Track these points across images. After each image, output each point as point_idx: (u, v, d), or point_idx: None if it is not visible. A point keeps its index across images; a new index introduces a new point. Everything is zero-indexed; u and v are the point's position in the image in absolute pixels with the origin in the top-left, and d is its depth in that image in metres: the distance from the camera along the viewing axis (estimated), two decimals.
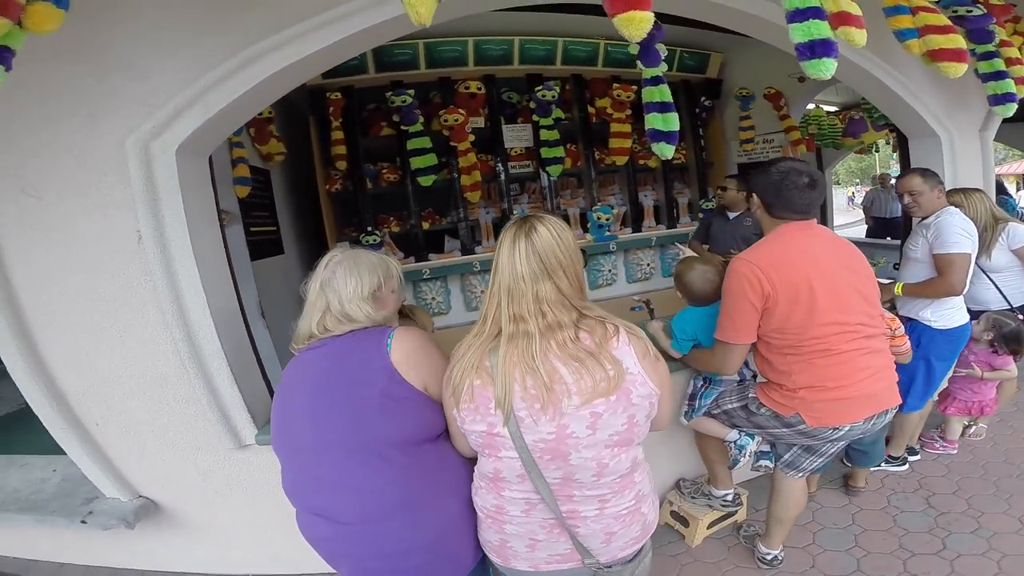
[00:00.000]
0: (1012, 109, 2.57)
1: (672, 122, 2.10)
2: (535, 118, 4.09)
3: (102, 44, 1.66)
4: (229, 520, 2.16)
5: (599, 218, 4.17)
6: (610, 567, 1.18)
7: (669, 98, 2.16)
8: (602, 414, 1.07)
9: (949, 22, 2.12)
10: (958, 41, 2.10)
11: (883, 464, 2.59)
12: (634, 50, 2.30)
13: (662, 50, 2.31)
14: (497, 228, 4.16)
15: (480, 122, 4.09)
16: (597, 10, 2.33)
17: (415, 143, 3.78)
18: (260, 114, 3.23)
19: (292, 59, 1.71)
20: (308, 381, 1.26)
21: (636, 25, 1.27)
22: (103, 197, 1.72)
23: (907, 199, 2.45)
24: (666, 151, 2.08)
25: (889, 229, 7.32)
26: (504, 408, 1.07)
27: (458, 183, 4.01)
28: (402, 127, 3.78)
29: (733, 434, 2.03)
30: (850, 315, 1.67)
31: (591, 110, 4.38)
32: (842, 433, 1.72)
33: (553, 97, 3.99)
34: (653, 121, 2.13)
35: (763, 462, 2.04)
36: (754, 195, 1.80)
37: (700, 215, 4.66)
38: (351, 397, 1.20)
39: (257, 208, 3.32)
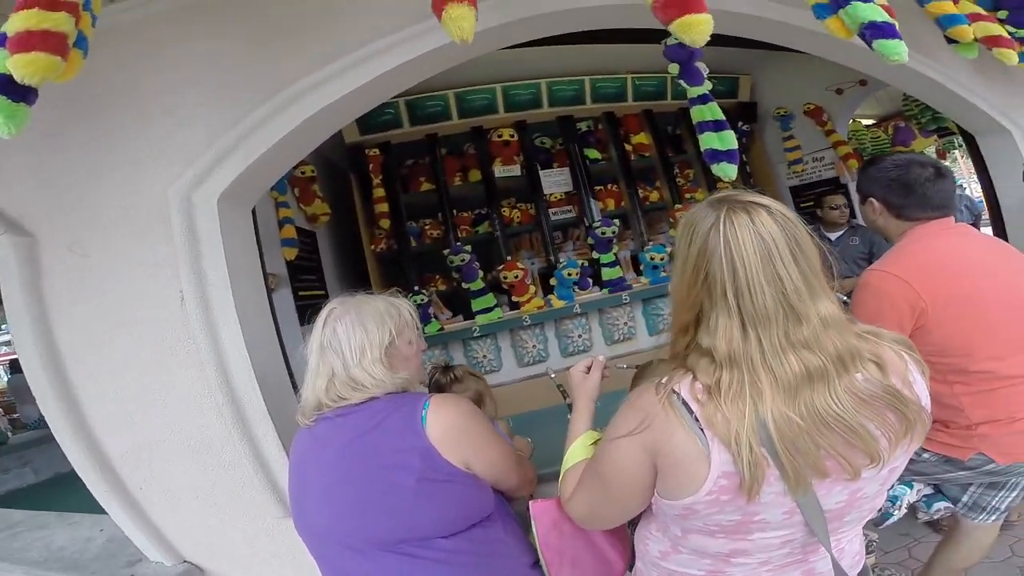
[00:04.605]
0: None
1: (729, 140, 1.98)
2: (594, 255, 3.94)
3: (143, 92, 1.70)
4: None
5: (652, 258, 3.94)
6: None
7: (721, 115, 2.06)
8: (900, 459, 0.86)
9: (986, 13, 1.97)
10: (1003, 30, 1.94)
11: None
12: (674, 70, 2.24)
13: (703, 68, 2.23)
14: (544, 278, 4.01)
15: (516, 170, 4.06)
16: (623, 36, 2.31)
17: (480, 303, 3.69)
18: (303, 173, 3.31)
19: (327, 100, 1.70)
20: (324, 462, 1.08)
21: (696, 29, 1.18)
22: (146, 254, 1.71)
23: None
24: (729, 171, 1.94)
25: None
26: (799, 489, 0.78)
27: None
28: (463, 285, 3.72)
29: None
30: None
31: (628, 147, 4.30)
32: None
33: (613, 233, 3.88)
34: (709, 140, 2.02)
35: (938, 504, 1.63)
36: (871, 201, 1.53)
37: None
38: (378, 483, 1.03)
39: (305, 271, 3.32)
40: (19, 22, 1.01)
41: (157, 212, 1.68)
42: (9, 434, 4.74)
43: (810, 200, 4.50)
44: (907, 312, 1.33)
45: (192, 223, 1.67)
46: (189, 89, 1.72)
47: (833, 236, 3.21)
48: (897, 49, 1.38)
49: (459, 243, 3.69)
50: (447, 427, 1.06)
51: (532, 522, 1.10)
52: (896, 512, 1.62)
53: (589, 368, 1.22)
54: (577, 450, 1.09)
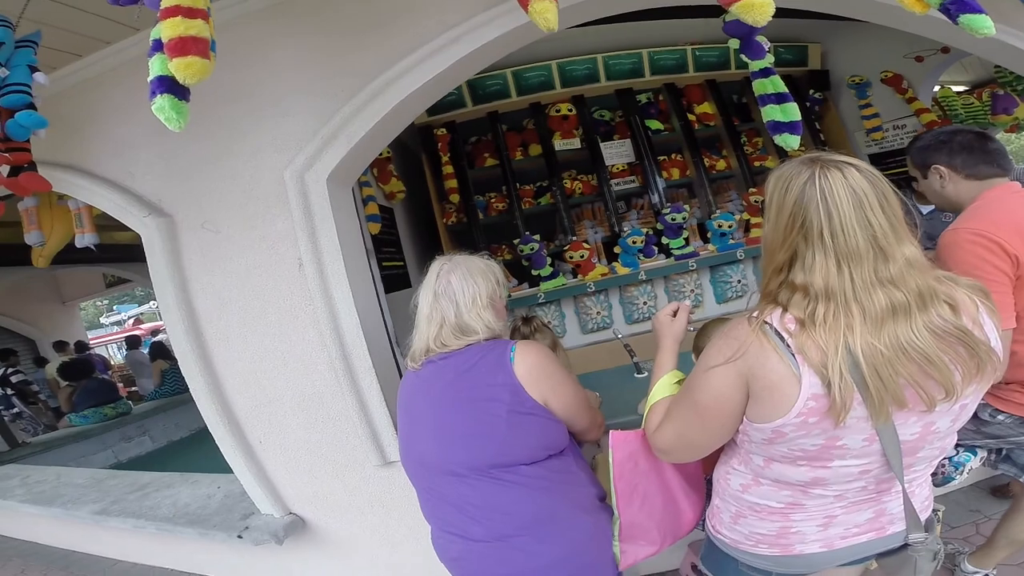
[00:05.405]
0: None
1: (792, 112, 1.98)
2: (664, 240, 3.96)
3: (250, 86, 1.89)
4: (368, 539, 2.20)
5: (720, 226, 3.89)
6: (911, 542, 0.98)
7: (783, 88, 2.05)
8: (970, 397, 0.92)
9: None
10: None
11: None
12: (735, 44, 2.23)
13: (764, 42, 2.21)
14: (608, 247, 4.10)
15: (576, 143, 4.13)
16: (681, 13, 2.26)
17: (548, 285, 3.86)
18: (381, 155, 3.51)
19: (411, 88, 1.83)
20: (431, 399, 1.24)
21: (758, 10, 1.20)
22: (267, 228, 1.93)
23: None
24: (791, 142, 1.96)
25: None
26: (881, 415, 0.86)
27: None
28: (533, 271, 3.88)
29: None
30: None
31: (691, 117, 4.25)
32: None
33: (684, 219, 3.87)
34: (771, 113, 2.03)
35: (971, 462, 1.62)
36: (936, 168, 1.53)
37: None
38: (477, 414, 1.18)
39: (386, 244, 3.56)
40: (169, 30, 1.14)
41: (275, 192, 1.90)
42: (131, 405, 5.22)
43: (891, 168, 4.31)
44: (1007, 259, 1.31)
45: (307, 200, 1.87)
46: (288, 82, 1.90)
47: (926, 210, 3.05)
48: (984, 23, 1.35)
49: (528, 233, 3.84)
50: (531, 367, 1.19)
51: (609, 451, 1.21)
52: (958, 477, 1.61)
53: (675, 313, 1.29)
54: (663, 386, 1.16)
